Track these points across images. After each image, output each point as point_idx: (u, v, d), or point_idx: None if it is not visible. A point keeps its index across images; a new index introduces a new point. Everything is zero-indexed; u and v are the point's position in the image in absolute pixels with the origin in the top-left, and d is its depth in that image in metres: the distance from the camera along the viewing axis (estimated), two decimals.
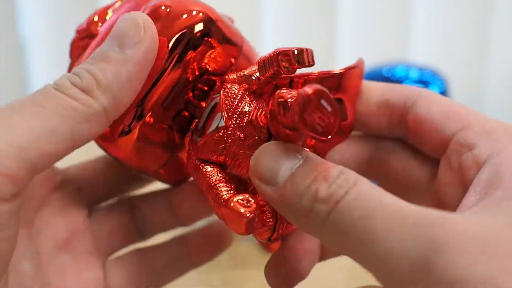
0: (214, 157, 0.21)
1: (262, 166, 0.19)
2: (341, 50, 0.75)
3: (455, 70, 0.69)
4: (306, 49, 0.21)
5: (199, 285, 0.34)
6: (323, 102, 0.18)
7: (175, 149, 0.23)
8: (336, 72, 0.23)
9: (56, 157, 0.19)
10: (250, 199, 0.19)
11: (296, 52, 0.21)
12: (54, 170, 0.25)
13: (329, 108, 0.18)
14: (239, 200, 0.19)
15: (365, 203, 0.17)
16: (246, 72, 0.22)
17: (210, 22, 0.22)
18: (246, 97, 0.22)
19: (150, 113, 0.22)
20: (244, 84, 0.22)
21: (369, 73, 0.46)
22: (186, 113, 0.23)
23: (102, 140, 0.23)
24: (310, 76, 0.23)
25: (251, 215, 0.19)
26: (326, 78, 0.23)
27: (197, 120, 0.22)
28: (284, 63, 0.20)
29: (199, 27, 0.22)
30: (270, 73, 0.21)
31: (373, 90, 0.23)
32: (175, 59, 0.22)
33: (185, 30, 0.22)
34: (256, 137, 0.21)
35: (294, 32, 0.76)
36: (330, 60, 0.75)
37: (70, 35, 0.27)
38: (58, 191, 0.25)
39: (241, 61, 0.23)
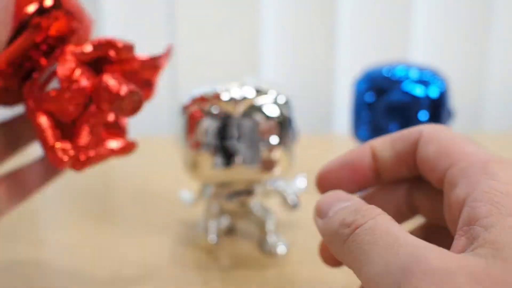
0: (48, 107, 0.28)
1: (320, 203, 0.24)
2: (341, 50, 0.75)
3: (455, 70, 0.69)
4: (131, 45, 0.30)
5: (199, 285, 0.34)
6: None
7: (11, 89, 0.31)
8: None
9: None
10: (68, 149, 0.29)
11: (123, 44, 0.29)
12: None
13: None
14: (61, 148, 0.28)
15: (375, 232, 0.20)
16: (83, 49, 0.29)
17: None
18: (79, 68, 0.28)
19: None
20: (76, 56, 0.29)
21: (369, 73, 0.46)
22: (28, 64, 0.29)
23: None
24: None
25: (68, 159, 0.28)
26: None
27: (36, 73, 0.29)
28: (111, 50, 0.29)
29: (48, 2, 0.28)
30: (97, 53, 0.29)
31: (384, 148, 0.26)
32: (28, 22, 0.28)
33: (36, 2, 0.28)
34: (82, 99, 0.28)
35: (294, 32, 0.76)
36: (330, 60, 0.75)
37: None
38: None
39: (82, 35, 0.30)
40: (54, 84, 0.28)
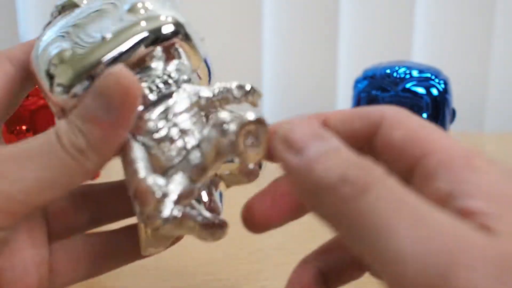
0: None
1: (290, 132, 0.19)
2: (343, 51, 0.75)
3: (457, 70, 0.69)
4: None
5: (200, 286, 0.34)
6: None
7: None
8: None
9: (51, 200, 0.23)
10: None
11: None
12: None
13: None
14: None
15: (391, 198, 0.17)
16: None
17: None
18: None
19: None
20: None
21: (370, 72, 0.46)
22: None
23: None
24: None
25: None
26: None
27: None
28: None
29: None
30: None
31: (339, 123, 0.23)
32: None
33: None
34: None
35: (296, 32, 0.75)
36: (332, 59, 0.75)
37: None
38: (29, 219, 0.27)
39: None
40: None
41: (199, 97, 0.25)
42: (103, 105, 0.22)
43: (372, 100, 0.44)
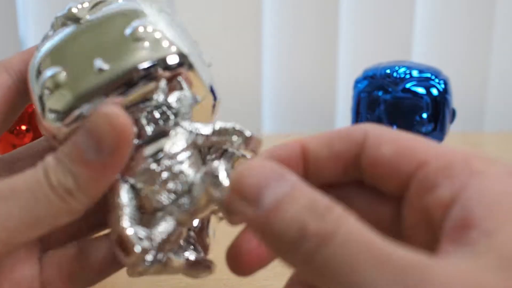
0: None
1: (248, 182, 0.18)
2: (343, 51, 0.75)
3: (457, 70, 0.69)
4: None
5: (200, 286, 0.34)
6: None
7: None
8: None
9: (34, 238, 0.22)
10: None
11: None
12: None
13: None
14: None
15: (354, 244, 0.17)
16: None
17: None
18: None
19: None
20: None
21: (370, 72, 0.46)
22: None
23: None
24: None
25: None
26: None
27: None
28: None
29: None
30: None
31: (319, 148, 0.22)
32: None
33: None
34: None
35: (296, 34, 0.75)
36: (332, 60, 0.75)
37: None
38: None
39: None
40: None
41: (196, 135, 0.24)
42: (93, 146, 0.21)
43: (372, 100, 0.44)
